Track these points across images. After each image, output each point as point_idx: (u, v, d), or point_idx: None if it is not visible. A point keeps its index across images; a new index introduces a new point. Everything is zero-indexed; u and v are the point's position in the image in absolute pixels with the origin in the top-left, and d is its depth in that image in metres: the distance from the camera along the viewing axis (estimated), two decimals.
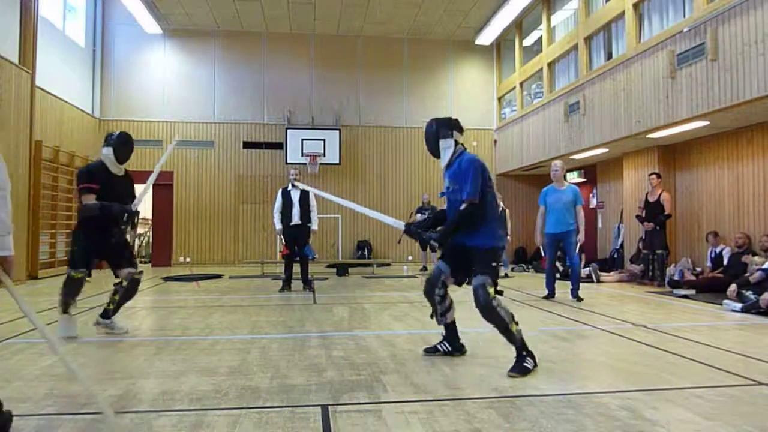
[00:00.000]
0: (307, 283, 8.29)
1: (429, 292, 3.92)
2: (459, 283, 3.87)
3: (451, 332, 4.00)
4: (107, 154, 4.75)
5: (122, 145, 4.79)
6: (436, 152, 3.88)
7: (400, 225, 3.89)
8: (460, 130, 3.87)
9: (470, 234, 3.68)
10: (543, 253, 7.38)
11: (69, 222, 11.95)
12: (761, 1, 6.54)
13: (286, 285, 8.23)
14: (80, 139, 12.72)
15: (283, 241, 8.36)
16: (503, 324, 3.52)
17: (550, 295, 7.32)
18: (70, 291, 4.76)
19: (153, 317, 5.93)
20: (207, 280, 10.25)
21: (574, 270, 7.14)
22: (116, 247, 4.85)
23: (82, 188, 4.61)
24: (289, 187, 8.33)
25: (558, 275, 7.73)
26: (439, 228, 3.81)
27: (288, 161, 13.97)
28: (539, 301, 7.24)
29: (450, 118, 3.88)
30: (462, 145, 3.86)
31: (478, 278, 3.57)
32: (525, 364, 3.50)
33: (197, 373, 3.56)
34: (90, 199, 4.59)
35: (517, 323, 3.56)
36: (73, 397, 3.05)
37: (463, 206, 3.64)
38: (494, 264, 3.64)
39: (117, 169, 4.83)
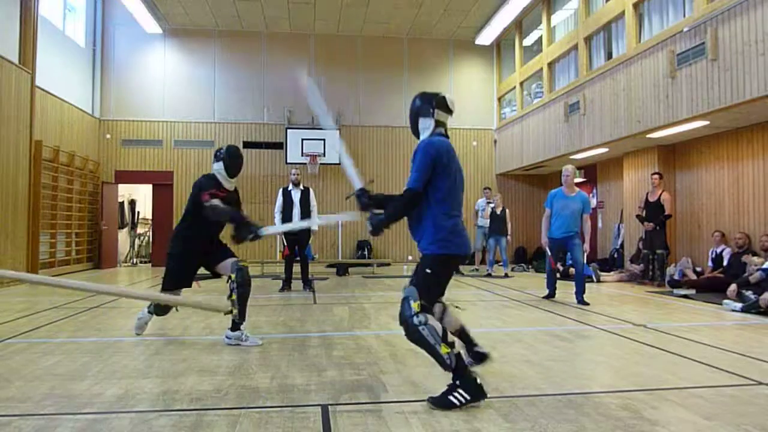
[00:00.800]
0: (307, 283, 8.29)
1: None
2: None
3: (466, 340, 3.49)
4: (218, 169, 4.63)
5: (233, 159, 4.65)
6: (415, 131, 3.34)
7: (358, 184, 3.43)
8: (446, 108, 3.29)
9: (417, 232, 3.19)
10: (549, 255, 7.32)
11: (69, 222, 11.97)
12: (761, 1, 6.54)
13: (287, 285, 8.23)
14: (80, 139, 12.72)
15: (284, 241, 8.35)
16: (428, 346, 2.92)
17: (551, 295, 7.31)
18: (158, 311, 4.75)
19: (153, 317, 5.92)
20: (207, 280, 10.20)
21: (578, 274, 6.94)
22: (213, 249, 4.58)
23: (211, 194, 4.43)
24: (290, 187, 8.33)
25: (558, 275, 7.69)
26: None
27: (288, 161, 13.97)
28: (539, 301, 7.25)
29: (436, 94, 3.32)
30: (444, 127, 3.30)
31: (405, 289, 3.08)
32: (451, 397, 2.86)
33: (197, 373, 3.56)
34: (218, 202, 4.41)
35: (450, 345, 2.93)
36: (73, 397, 3.05)
37: (404, 194, 3.13)
38: (428, 272, 3.08)
39: (228, 184, 4.69)
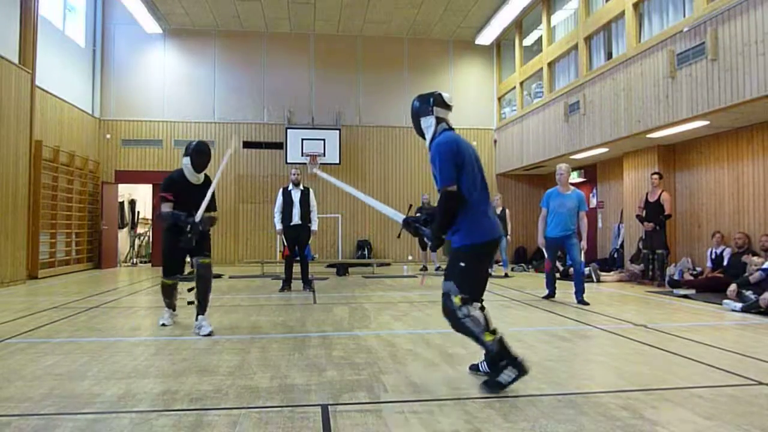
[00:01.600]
0: (308, 283, 8.29)
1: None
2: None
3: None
4: (186, 164, 5.07)
5: (197, 154, 5.07)
6: (419, 132, 3.47)
7: (399, 217, 3.54)
8: (444, 105, 3.40)
9: (452, 230, 3.27)
10: (546, 256, 7.33)
11: (69, 222, 11.97)
12: (761, 1, 6.54)
13: (287, 285, 8.23)
14: (80, 139, 12.72)
15: (284, 241, 8.34)
16: (473, 335, 3.14)
17: (550, 295, 7.30)
18: (164, 293, 5.34)
19: (153, 317, 5.92)
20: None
21: (577, 274, 6.91)
22: (191, 245, 4.97)
23: (160, 197, 5.01)
24: (290, 187, 8.31)
25: (558, 275, 7.72)
26: None
27: (288, 161, 13.98)
28: (540, 301, 7.24)
29: (432, 93, 3.43)
30: (446, 122, 3.40)
31: (443, 284, 3.23)
32: (499, 378, 3.11)
33: (197, 373, 3.56)
34: (166, 208, 4.96)
35: (493, 332, 3.14)
36: (73, 397, 3.05)
37: (440, 197, 3.24)
38: (461, 266, 3.18)
39: (195, 178, 5.14)
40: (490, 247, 3.31)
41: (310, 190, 8.41)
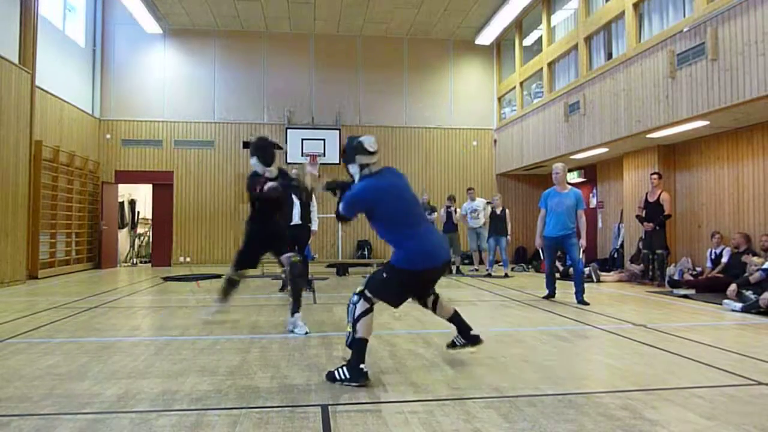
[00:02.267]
0: (308, 283, 8.28)
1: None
2: (420, 301, 3.85)
3: (458, 324, 3.89)
4: (254, 164, 5.25)
5: (262, 149, 5.26)
6: (350, 175, 3.72)
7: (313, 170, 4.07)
8: (366, 152, 3.54)
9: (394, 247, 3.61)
10: (542, 256, 7.33)
11: (69, 222, 11.97)
12: (761, 1, 6.54)
13: (285, 286, 8.19)
14: (80, 139, 12.72)
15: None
16: (348, 319, 3.42)
17: (550, 295, 7.29)
18: (228, 289, 5.38)
19: (153, 317, 5.93)
20: (207, 280, 10.24)
21: (576, 274, 6.91)
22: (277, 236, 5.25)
23: (261, 181, 5.08)
24: None
25: (558, 275, 7.70)
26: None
27: (288, 161, 13.97)
28: (539, 301, 7.24)
29: (352, 141, 3.58)
30: (369, 167, 3.57)
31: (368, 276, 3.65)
32: (336, 372, 3.35)
33: (197, 373, 3.56)
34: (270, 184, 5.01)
35: (354, 330, 3.35)
36: (73, 397, 3.05)
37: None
38: (384, 275, 3.46)
39: (269, 173, 5.22)
40: (423, 276, 3.52)
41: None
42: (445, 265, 3.57)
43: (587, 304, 6.71)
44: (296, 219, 8.10)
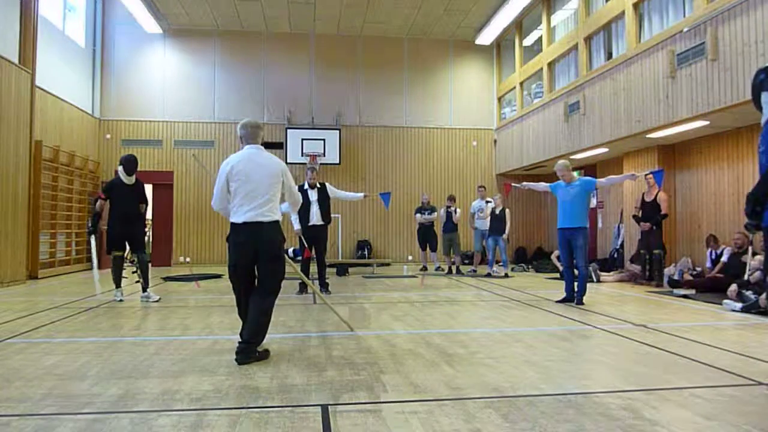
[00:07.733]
0: (324, 286, 8.19)
1: None
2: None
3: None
4: (120, 170, 7.01)
5: (128, 163, 7.17)
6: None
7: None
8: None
9: None
10: (557, 255, 7.20)
11: (69, 222, 11.96)
12: (761, 1, 6.54)
13: (304, 287, 8.01)
14: (80, 139, 12.72)
15: (305, 242, 7.98)
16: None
17: (567, 299, 6.92)
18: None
19: (153, 317, 5.93)
20: (207, 280, 10.25)
21: (581, 277, 6.83)
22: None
23: (97, 197, 7.45)
24: (305, 186, 8.07)
25: (558, 275, 7.65)
26: None
27: (288, 161, 13.96)
28: (539, 300, 7.24)
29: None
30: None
31: None
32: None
33: (197, 373, 3.56)
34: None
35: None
36: (73, 397, 3.05)
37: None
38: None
39: (128, 179, 7.14)
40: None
41: (327, 185, 8.24)
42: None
43: (582, 304, 6.73)
44: (314, 219, 7.96)
